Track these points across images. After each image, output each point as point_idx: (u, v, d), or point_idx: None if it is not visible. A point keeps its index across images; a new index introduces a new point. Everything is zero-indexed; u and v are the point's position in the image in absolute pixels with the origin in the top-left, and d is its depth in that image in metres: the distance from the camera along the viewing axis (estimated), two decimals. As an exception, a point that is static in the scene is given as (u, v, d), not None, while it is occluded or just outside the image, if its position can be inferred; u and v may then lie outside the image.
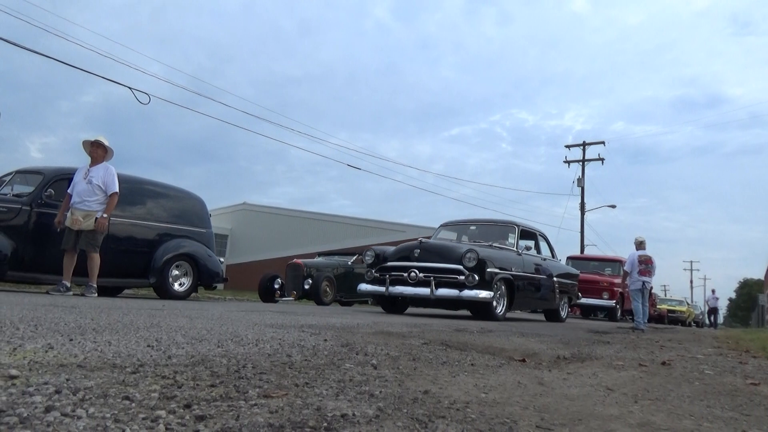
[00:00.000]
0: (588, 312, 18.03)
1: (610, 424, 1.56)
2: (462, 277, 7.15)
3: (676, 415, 1.79)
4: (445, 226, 9.61)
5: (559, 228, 41.53)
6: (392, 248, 8.19)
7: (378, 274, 7.73)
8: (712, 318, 27.99)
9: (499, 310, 7.62)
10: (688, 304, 31.28)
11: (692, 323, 28.35)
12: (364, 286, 7.99)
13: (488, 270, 7.22)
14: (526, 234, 9.22)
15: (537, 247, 9.37)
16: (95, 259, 6.35)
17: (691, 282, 65.37)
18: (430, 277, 7.21)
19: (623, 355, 3.85)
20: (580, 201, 28.53)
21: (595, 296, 15.06)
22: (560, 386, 2.18)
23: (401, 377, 2.01)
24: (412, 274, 7.31)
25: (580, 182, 28.45)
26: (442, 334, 4.03)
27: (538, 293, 8.93)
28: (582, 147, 28.89)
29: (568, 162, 29.13)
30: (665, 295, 34.89)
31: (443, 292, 7.11)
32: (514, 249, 8.46)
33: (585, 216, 28.33)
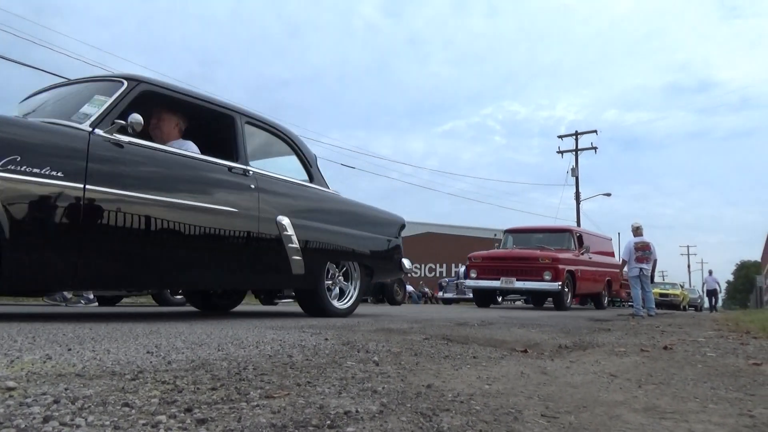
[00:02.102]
0: (540, 300, 14.63)
1: (615, 410, 1.55)
2: None
3: (681, 398, 1.79)
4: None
5: (555, 218, 41.59)
6: None
7: None
8: (712, 301, 25.94)
9: None
10: (681, 287, 29.62)
11: (687, 307, 26.96)
12: None
13: None
14: (186, 108, 4.13)
15: (232, 150, 4.27)
16: None
17: (689, 267, 65.71)
18: None
19: (624, 341, 3.86)
20: (575, 191, 28.62)
21: (533, 277, 11.34)
22: (563, 375, 2.18)
23: (404, 373, 2.00)
24: None
25: (574, 172, 28.54)
26: (443, 329, 4.03)
27: (208, 252, 3.92)
28: (575, 137, 28.96)
29: (561, 152, 29.22)
30: (663, 279, 34.57)
31: None
32: (87, 128, 3.28)
33: (580, 205, 28.41)
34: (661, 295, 24.77)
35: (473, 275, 12.03)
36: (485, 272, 11.90)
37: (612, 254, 15.54)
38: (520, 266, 11.58)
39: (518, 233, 13.71)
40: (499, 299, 17.86)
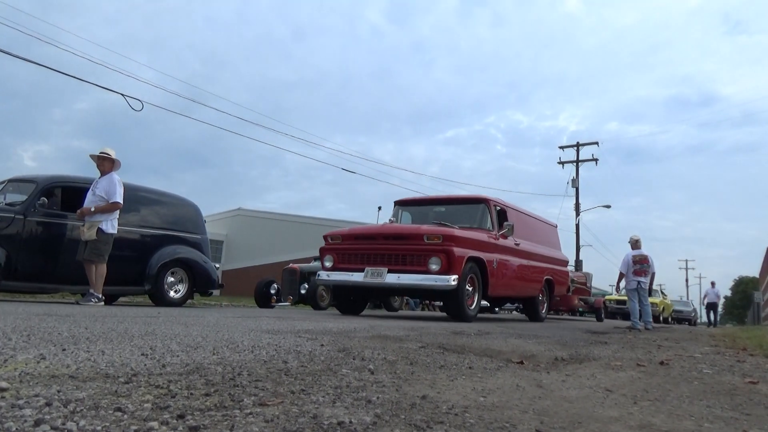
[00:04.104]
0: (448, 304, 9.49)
1: (610, 427, 1.55)
2: None
3: (676, 415, 1.78)
4: None
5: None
6: None
7: None
8: (710, 315, 23.28)
9: None
10: (663, 294, 25.41)
11: (670, 319, 23.99)
12: None
13: None
14: None
15: None
16: (99, 269, 6.32)
17: (687, 280, 65.68)
18: None
19: (621, 355, 3.84)
20: (574, 202, 28.64)
21: (414, 267, 7.12)
22: (559, 388, 2.17)
23: (399, 382, 1.99)
24: None
25: (575, 183, 28.56)
26: (439, 338, 4.01)
27: None
28: (576, 148, 29.00)
29: (562, 163, 29.26)
30: (659, 289, 32.34)
31: None
32: None
33: (580, 216, 28.42)
34: None
35: (328, 263, 7.81)
36: (345, 259, 7.73)
37: (557, 246, 11.59)
38: (395, 249, 7.33)
39: (414, 206, 9.36)
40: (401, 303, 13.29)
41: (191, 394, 1.49)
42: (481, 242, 7.82)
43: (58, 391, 1.38)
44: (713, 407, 1.97)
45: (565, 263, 11.49)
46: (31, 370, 1.63)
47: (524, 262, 9.17)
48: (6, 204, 6.88)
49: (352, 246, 7.77)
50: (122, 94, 11.09)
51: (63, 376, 1.58)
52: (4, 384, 1.39)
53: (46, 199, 6.78)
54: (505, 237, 8.47)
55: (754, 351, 4.80)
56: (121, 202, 6.48)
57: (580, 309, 18.80)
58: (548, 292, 10.42)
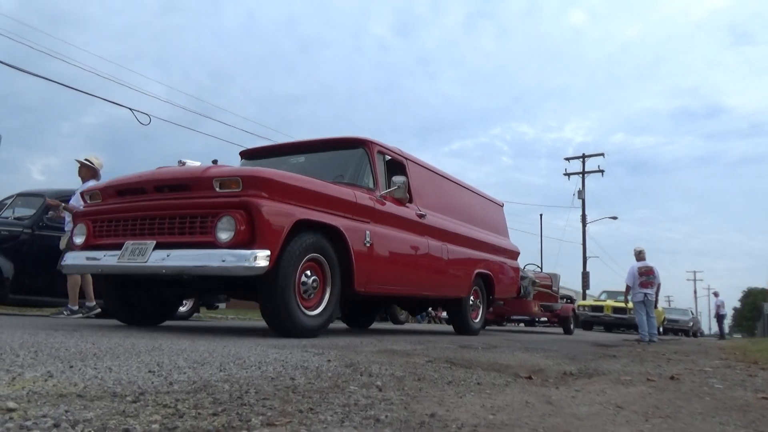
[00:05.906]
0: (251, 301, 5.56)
1: (622, 446, 1.53)
2: None
3: (689, 434, 1.75)
4: None
5: (560, 240, 41.48)
6: None
7: None
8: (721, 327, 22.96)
9: None
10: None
11: (662, 329, 21.76)
12: None
13: None
14: None
15: None
16: (70, 280, 6.26)
17: (695, 292, 65.25)
18: None
19: (630, 369, 3.81)
20: (581, 213, 28.59)
21: (196, 237, 3.90)
22: (568, 405, 2.14)
23: (407, 399, 1.97)
24: None
25: (581, 194, 28.54)
26: (446, 351, 3.99)
27: None
28: (582, 159, 29.01)
29: (568, 174, 29.27)
30: (669, 305, 31.76)
31: None
32: None
33: (586, 228, 28.35)
34: (616, 310, 17.91)
35: (79, 239, 4.63)
36: (102, 230, 4.56)
37: (503, 231, 8.64)
38: (168, 207, 4.18)
39: (265, 158, 6.07)
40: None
41: (199, 413, 1.49)
42: (338, 200, 4.67)
43: (66, 411, 1.37)
44: (726, 424, 1.95)
45: (514, 255, 8.59)
46: (39, 389, 1.63)
47: (435, 244, 6.07)
48: (14, 218, 6.93)
49: (112, 207, 4.59)
50: (130, 108, 11.21)
51: (71, 395, 1.58)
52: (12, 404, 1.39)
53: (54, 214, 6.82)
54: (400, 203, 5.47)
55: (765, 365, 4.75)
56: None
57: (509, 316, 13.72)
58: (484, 294, 7.44)
